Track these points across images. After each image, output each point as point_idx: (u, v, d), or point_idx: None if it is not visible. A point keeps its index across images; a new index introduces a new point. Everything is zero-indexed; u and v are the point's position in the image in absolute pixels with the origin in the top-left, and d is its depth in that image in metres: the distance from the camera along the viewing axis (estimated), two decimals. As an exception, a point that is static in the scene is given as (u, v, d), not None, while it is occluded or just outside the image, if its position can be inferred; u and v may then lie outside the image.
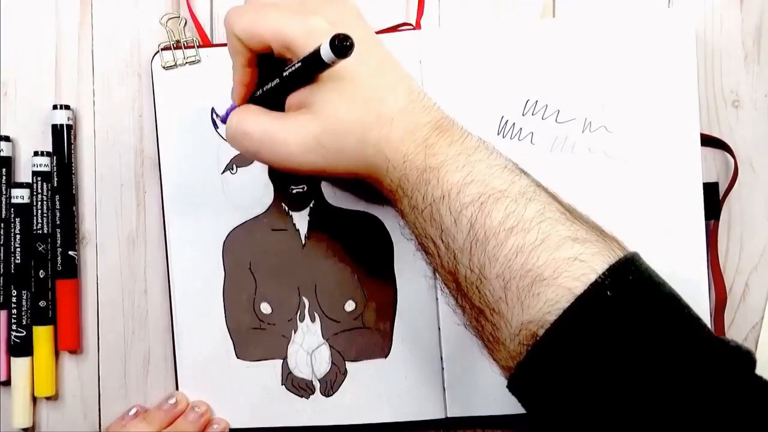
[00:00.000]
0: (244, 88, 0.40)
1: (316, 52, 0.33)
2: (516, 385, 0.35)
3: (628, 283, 0.32)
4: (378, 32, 0.47)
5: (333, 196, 0.47)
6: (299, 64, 0.35)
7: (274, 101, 0.39)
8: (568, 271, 0.32)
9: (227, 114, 0.41)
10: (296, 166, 0.38)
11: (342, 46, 0.32)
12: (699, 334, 0.32)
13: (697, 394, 0.30)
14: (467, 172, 0.35)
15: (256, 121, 0.38)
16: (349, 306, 0.48)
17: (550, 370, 0.33)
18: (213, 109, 0.48)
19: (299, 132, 0.37)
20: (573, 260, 0.32)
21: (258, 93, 0.40)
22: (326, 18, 0.36)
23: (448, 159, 0.35)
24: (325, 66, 0.34)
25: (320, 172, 0.39)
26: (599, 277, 0.32)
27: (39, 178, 0.49)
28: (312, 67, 0.35)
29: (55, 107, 0.49)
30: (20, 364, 0.49)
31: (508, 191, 0.34)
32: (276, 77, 0.38)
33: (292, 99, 0.38)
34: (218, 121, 0.47)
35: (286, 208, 0.48)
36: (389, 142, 0.36)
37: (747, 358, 0.32)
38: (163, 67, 0.48)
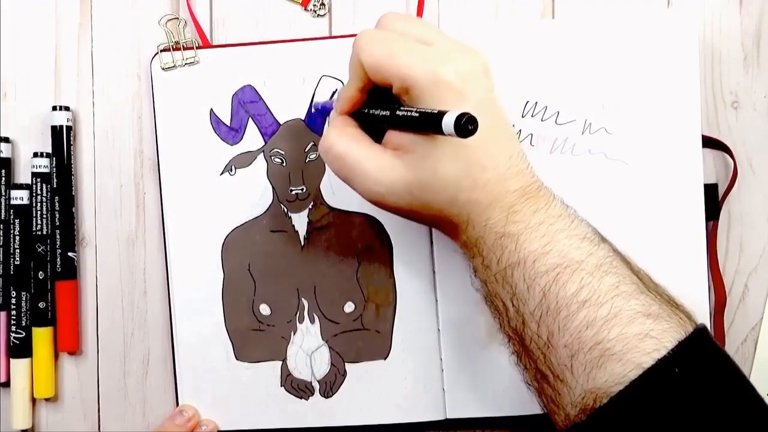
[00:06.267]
0: (350, 105, 0.39)
1: (438, 119, 0.32)
2: None
3: (697, 360, 0.33)
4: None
5: (332, 197, 0.47)
6: (416, 114, 0.35)
7: (375, 126, 0.38)
8: (638, 347, 0.33)
9: (324, 109, 0.43)
10: (377, 202, 0.38)
11: (466, 128, 0.32)
12: (763, 416, 0.33)
13: None
14: (546, 242, 0.35)
15: (354, 149, 0.38)
16: (349, 307, 0.48)
17: None
18: (212, 110, 0.48)
19: (392, 175, 0.36)
20: (644, 336, 0.33)
21: (363, 110, 0.39)
22: (455, 70, 0.35)
23: (529, 227, 0.35)
24: (440, 133, 0.33)
25: (400, 214, 0.39)
26: (668, 353, 0.32)
27: (38, 180, 0.49)
28: (426, 125, 0.34)
29: (54, 108, 0.49)
30: (20, 365, 0.49)
31: (585, 263, 0.35)
32: (387, 109, 0.37)
33: (394, 136, 0.37)
34: (312, 108, 0.47)
35: (286, 210, 0.48)
36: (476, 206, 0.36)
37: None
38: (163, 69, 0.48)
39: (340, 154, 0.38)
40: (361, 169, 0.37)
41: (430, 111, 0.34)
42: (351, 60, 0.38)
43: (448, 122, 0.32)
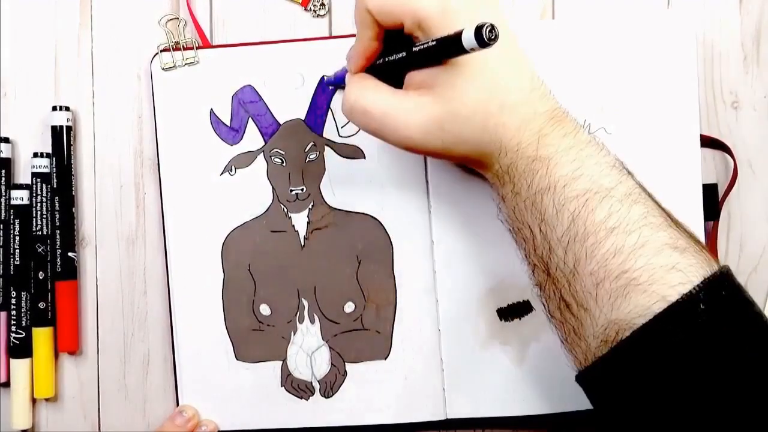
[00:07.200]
0: (365, 60, 0.39)
1: (457, 37, 0.32)
2: (590, 377, 0.35)
3: (722, 299, 0.33)
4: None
5: (332, 197, 0.47)
6: (434, 43, 0.34)
7: (393, 74, 0.38)
8: (663, 279, 0.32)
9: (337, 79, 0.42)
10: (414, 148, 0.38)
11: (488, 36, 0.31)
12: None
13: None
14: (576, 167, 0.35)
15: (376, 99, 0.37)
16: (349, 307, 0.48)
17: (630, 368, 0.33)
18: (212, 110, 0.48)
19: (420, 114, 0.36)
20: (670, 268, 0.33)
21: (378, 62, 0.39)
22: None
23: (559, 151, 0.35)
24: (462, 52, 0.32)
25: (435, 155, 0.39)
26: (694, 288, 0.32)
27: (38, 180, 0.49)
28: (447, 50, 0.34)
29: (54, 108, 0.49)
30: (20, 365, 0.49)
31: (615, 191, 0.34)
32: (402, 51, 0.37)
33: (414, 77, 0.37)
34: (325, 82, 0.47)
35: (286, 210, 0.48)
36: (506, 130, 0.36)
37: None
38: (163, 69, 0.48)
39: (365, 109, 0.38)
40: (389, 117, 0.37)
41: (446, 36, 0.33)
42: (356, 12, 0.37)
43: (468, 36, 0.31)
